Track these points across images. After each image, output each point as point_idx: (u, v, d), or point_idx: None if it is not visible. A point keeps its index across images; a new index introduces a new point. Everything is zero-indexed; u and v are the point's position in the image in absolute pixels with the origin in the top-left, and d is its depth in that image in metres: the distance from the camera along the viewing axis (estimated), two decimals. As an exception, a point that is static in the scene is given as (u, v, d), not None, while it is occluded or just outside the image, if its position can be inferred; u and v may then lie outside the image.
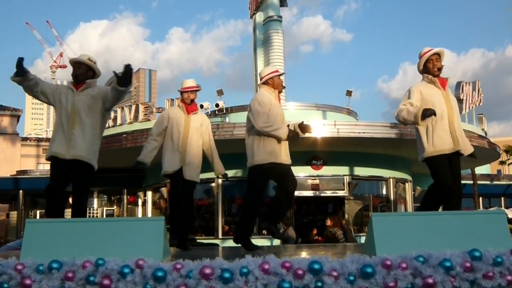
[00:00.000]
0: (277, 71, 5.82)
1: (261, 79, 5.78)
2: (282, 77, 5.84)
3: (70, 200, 5.16)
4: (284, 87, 5.95)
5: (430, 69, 5.56)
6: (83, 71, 5.29)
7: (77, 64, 5.29)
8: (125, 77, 4.89)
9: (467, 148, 5.48)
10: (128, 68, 4.87)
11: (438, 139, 5.31)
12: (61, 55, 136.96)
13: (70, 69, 5.46)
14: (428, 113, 5.18)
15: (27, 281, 3.10)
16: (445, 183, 5.24)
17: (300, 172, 14.87)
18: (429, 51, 5.57)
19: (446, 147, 5.30)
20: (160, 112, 15.67)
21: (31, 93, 5.26)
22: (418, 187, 18.81)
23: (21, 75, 4.97)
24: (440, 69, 5.56)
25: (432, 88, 5.49)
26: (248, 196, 5.63)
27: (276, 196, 5.64)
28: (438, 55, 5.58)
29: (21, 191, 24.22)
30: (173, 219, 6.10)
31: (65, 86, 5.33)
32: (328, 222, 11.76)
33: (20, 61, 4.91)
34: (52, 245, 3.48)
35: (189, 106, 6.18)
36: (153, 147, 6.12)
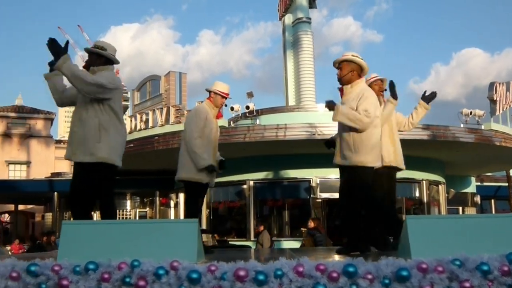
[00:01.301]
0: (374, 77, 6.17)
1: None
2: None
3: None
4: (385, 90, 6.19)
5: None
6: (90, 61, 5.03)
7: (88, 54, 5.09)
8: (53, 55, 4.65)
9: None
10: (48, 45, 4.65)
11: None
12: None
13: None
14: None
15: (64, 282, 3.14)
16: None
17: (332, 174, 14.77)
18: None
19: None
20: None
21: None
22: (452, 190, 18.52)
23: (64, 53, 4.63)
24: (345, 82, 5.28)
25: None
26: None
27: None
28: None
29: (55, 193, 24.62)
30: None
31: None
32: (311, 224, 11.69)
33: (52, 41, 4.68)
34: (87, 246, 3.52)
35: (219, 111, 6.03)
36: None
